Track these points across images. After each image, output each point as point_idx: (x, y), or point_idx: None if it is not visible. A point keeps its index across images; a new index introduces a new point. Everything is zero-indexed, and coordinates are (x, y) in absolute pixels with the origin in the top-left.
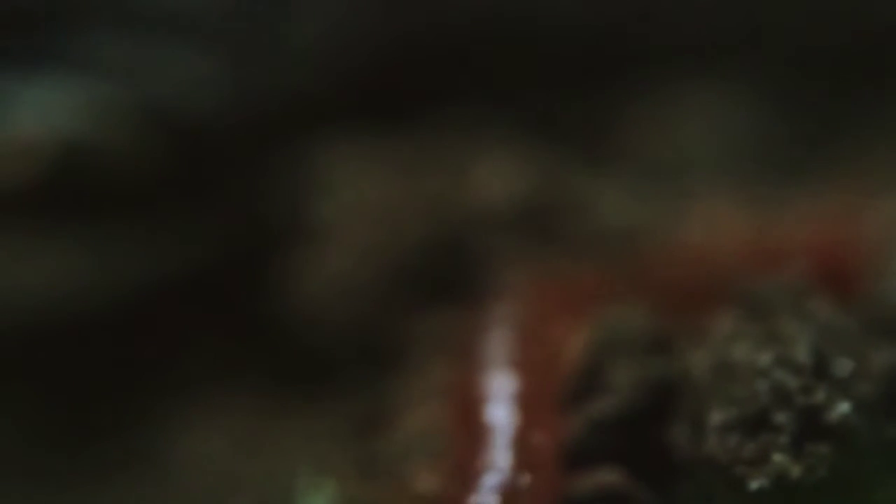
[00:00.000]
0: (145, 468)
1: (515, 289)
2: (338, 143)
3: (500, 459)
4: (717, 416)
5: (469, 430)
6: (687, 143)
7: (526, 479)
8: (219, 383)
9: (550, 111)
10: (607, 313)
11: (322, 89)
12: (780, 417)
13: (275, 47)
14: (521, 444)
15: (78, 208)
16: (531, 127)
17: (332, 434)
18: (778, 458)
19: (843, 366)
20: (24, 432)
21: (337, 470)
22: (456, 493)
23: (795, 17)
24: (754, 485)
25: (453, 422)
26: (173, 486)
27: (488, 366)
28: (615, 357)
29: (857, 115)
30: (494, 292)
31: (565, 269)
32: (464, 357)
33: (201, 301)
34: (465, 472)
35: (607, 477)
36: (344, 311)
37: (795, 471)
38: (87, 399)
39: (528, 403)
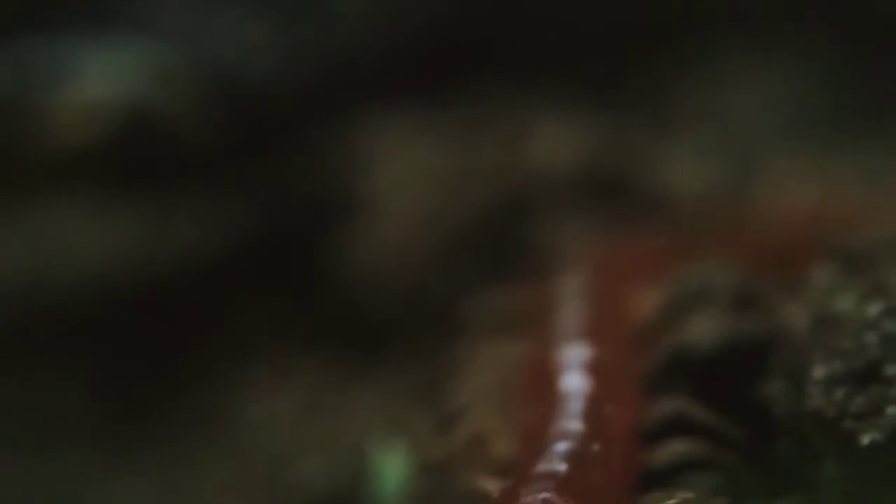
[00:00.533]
0: (214, 431)
1: (585, 251)
2: (392, 111)
3: (573, 427)
4: (820, 370)
5: (543, 395)
6: (742, 108)
7: (600, 446)
8: (280, 350)
9: (606, 79)
10: (689, 271)
11: (376, 57)
12: (893, 369)
13: (327, 16)
14: (597, 411)
15: (138, 172)
16: (588, 94)
17: (398, 397)
18: (892, 410)
19: None
20: (93, 397)
21: (408, 431)
22: (529, 458)
23: None
24: (866, 439)
25: (527, 386)
26: (242, 448)
27: (562, 330)
28: (698, 315)
29: None
30: (561, 257)
31: (636, 232)
32: (535, 322)
33: (259, 268)
34: (539, 437)
35: (683, 446)
36: (403, 279)
37: None
38: (153, 364)
39: (603, 368)
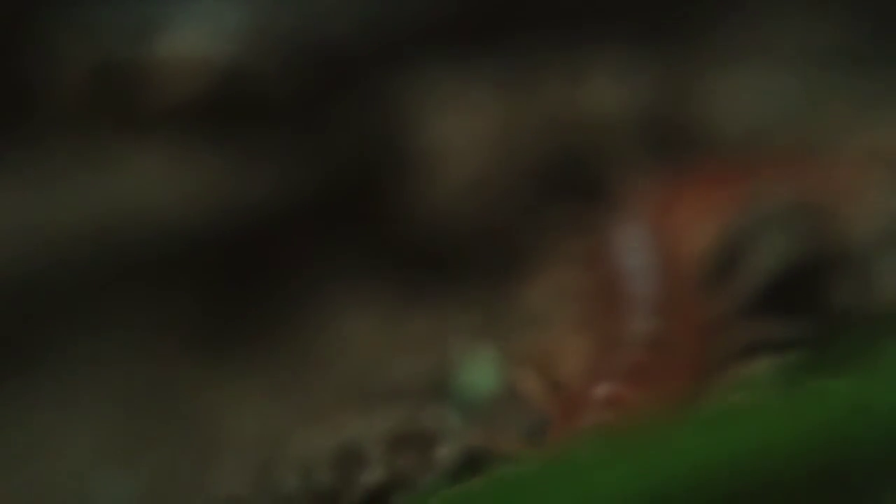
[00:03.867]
0: (302, 350)
1: (644, 190)
2: (452, 65)
3: (643, 325)
4: (891, 262)
5: (612, 302)
6: (788, 46)
7: (669, 346)
8: (358, 281)
9: (655, 22)
10: (748, 198)
11: (435, 19)
12: None
13: None
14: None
15: (227, 126)
16: (637, 38)
17: (472, 317)
18: None
19: None
20: (193, 324)
21: (490, 336)
22: (607, 350)
23: None
24: None
25: (595, 295)
26: (331, 362)
27: (626, 252)
28: (763, 233)
29: None
30: (621, 198)
31: (692, 168)
32: (601, 248)
33: (334, 210)
34: (613, 335)
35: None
36: (469, 219)
37: None
38: (244, 296)
39: (668, 280)
